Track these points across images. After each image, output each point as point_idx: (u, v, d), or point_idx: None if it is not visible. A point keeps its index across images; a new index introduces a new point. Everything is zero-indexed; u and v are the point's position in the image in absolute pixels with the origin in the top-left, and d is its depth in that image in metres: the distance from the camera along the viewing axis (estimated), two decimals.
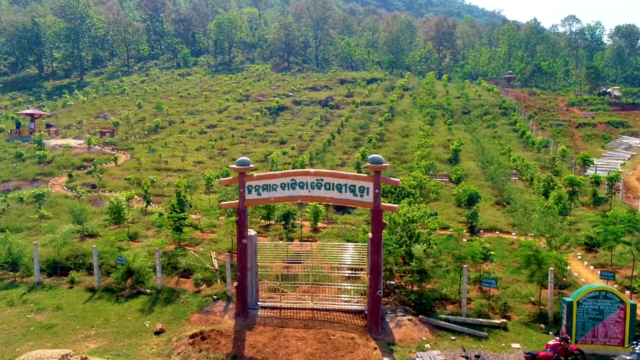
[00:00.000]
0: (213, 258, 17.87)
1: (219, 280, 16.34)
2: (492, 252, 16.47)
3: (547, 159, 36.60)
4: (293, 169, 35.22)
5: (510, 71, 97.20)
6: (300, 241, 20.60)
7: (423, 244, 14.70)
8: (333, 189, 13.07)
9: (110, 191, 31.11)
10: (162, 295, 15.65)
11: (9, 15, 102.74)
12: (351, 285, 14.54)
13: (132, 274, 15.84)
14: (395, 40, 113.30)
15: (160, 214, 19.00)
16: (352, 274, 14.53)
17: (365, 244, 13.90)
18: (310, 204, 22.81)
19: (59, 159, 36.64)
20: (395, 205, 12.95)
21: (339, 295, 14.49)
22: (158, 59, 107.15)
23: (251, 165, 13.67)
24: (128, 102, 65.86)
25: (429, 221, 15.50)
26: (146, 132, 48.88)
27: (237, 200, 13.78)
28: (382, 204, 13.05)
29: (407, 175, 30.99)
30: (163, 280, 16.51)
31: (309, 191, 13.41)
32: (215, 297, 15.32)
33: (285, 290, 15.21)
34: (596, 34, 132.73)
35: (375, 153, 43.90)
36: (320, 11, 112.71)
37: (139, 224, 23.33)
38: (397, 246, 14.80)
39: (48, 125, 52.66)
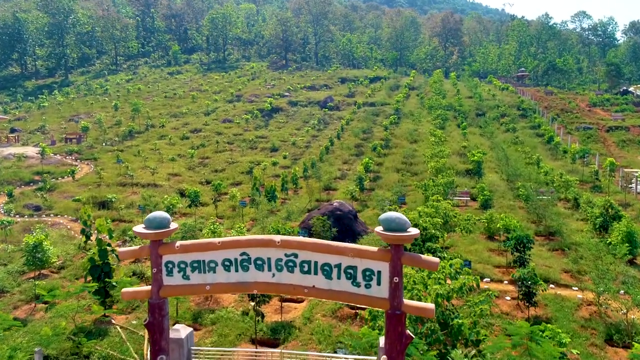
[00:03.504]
0: (146, 339, 12.05)
1: None
2: (575, 353, 10.56)
3: (588, 171, 30.73)
4: (282, 187, 29.35)
5: (522, 69, 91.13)
6: (283, 300, 14.90)
7: (470, 344, 8.93)
8: (316, 272, 7.26)
9: (56, 215, 25.40)
10: None
11: None
12: None
13: None
14: (399, 37, 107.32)
15: (50, 292, 12.36)
16: None
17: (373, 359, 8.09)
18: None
19: (5, 173, 30.88)
20: (430, 306, 7.07)
21: None
22: (149, 56, 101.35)
23: (172, 226, 7.76)
24: (108, 103, 60.13)
25: (478, 303, 9.69)
26: (119, 139, 43.08)
27: (148, 287, 7.89)
28: (405, 302, 7.15)
29: (421, 196, 25.16)
30: None
31: (273, 275, 7.57)
32: None
33: None
34: (608, 30, 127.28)
35: (380, 162, 38.18)
36: (320, 6, 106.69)
37: (69, 270, 17.60)
38: (426, 346, 9.00)
39: (12, 130, 46.99)
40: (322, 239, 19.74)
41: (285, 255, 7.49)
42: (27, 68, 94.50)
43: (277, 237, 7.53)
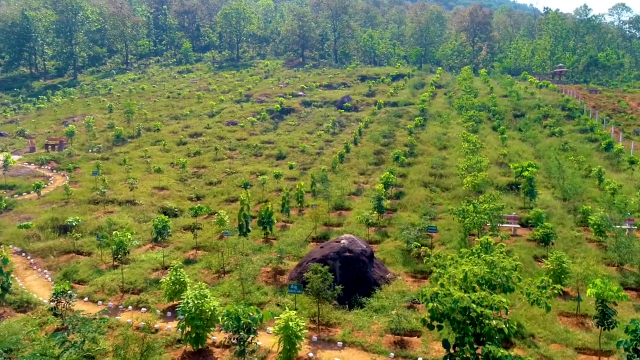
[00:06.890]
0: None
1: None
2: None
3: None
4: (283, 208, 23.80)
5: (560, 64, 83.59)
6: None
7: None
8: None
9: (1, 244, 20.55)
10: None
11: (2, 7, 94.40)
12: None
13: None
14: (423, 32, 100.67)
15: None
16: None
17: None
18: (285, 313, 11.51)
19: None
20: None
21: None
22: (161, 55, 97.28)
23: None
24: (108, 103, 55.67)
25: None
26: (108, 144, 38.25)
27: None
28: None
29: (457, 223, 19.32)
30: None
31: None
32: None
33: None
34: None
35: (404, 173, 32.06)
36: (339, 1, 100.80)
37: None
38: None
39: None
40: (323, 299, 14.17)
41: None
42: (37, 68, 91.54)
43: None
